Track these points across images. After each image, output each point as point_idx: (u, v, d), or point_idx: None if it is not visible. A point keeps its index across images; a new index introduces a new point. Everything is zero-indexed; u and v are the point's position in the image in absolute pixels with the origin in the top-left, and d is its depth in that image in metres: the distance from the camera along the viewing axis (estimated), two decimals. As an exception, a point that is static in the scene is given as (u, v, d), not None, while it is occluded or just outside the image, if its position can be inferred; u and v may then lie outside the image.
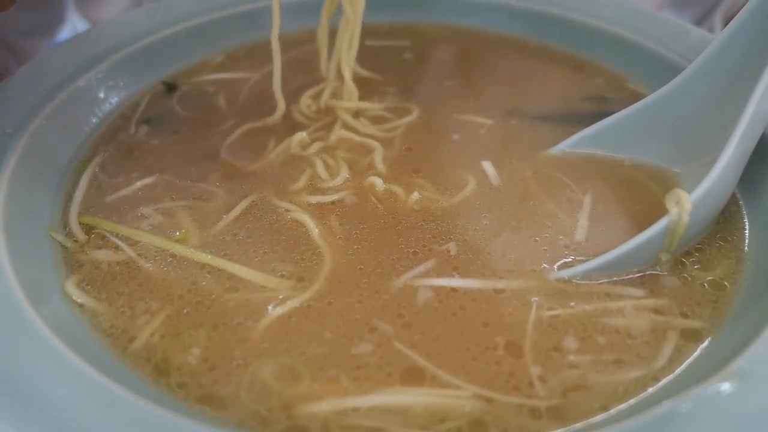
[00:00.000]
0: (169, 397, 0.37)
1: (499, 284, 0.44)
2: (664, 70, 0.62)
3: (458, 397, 0.37)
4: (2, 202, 0.45)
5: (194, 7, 0.71)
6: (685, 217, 0.43)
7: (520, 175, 0.53)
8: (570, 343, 0.40)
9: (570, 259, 0.46)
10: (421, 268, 0.45)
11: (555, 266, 0.45)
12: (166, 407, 0.34)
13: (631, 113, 0.54)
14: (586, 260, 0.45)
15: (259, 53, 0.70)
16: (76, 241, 0.47)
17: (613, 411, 0.37)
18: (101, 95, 0.60)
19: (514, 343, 0.40)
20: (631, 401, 0.37)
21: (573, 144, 0.56)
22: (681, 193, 0.43)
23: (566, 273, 0.44)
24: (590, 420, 0.36)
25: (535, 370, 0.38)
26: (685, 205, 0.43)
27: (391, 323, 0.41)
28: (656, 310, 0.42)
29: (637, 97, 0.57)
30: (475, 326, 0.41)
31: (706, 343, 0.41)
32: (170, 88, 0.65)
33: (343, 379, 0.38)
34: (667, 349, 0.40)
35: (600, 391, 0.38)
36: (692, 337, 0.41)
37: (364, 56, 0.68)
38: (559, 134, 0.57)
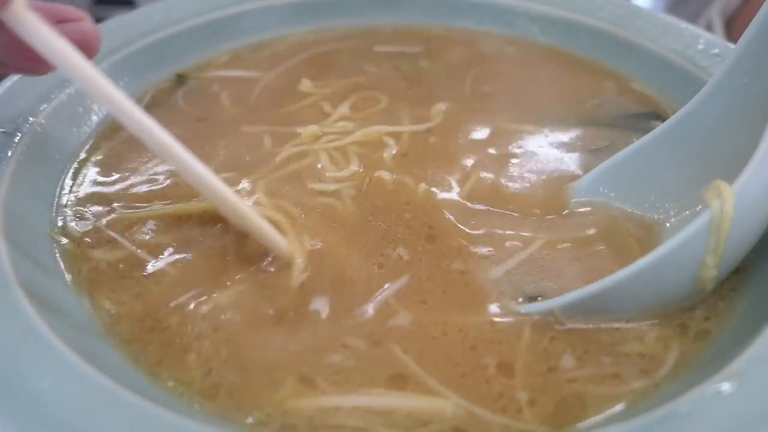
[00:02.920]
0: (169, 397, 0.37)
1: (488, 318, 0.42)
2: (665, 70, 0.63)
3: (441, 403, 0.37)
4: (2, 202, 0.45)
5: (196, 6, 0.70)
6: (730, 210, 0.37)
7: (526, 194, 0.52)
8: (567, 361, 0.39)
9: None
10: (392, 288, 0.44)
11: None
12: (166, 407, 0.34)
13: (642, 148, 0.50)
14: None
15: (266, 52, 0.71)
16: (74, 241, 0.47)
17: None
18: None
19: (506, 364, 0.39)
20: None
21: (583, 186, 0.52)
22: (721, 184, 0.38)
23: (565, 300, 0.41)
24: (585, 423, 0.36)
25: (524, 395, 0.38)
26: (728, 197, 0.38)
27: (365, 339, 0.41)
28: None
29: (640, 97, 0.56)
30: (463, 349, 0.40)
31: (708, 344, 0.40)
32: (180, 80, 0.65)
33: (321, 382, 0.38)
34: (671, 358, 0.39)
35: (595, 406, 0.37)
36: (697, 339, 0.41)
37: (381, 62, 0.69)
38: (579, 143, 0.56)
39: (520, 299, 0.43)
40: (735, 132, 0.47)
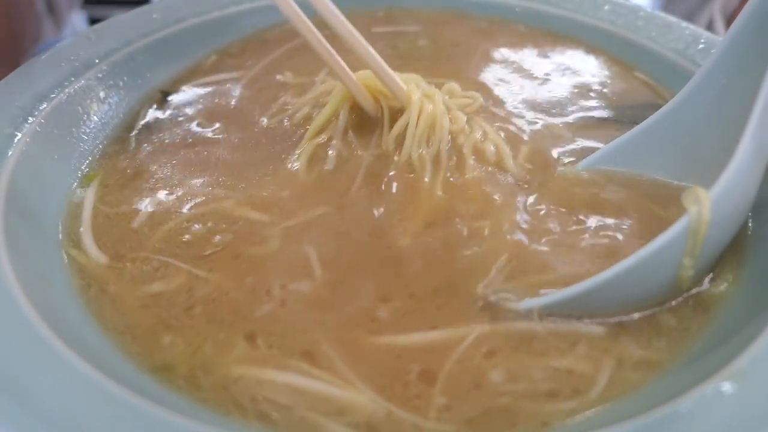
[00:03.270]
0: (170, 396, 0.37)
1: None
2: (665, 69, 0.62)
3: (357, 396, 0.37)
4: (2, 202, 0.45)
5: (196, 6, 0.70)
6: (706, 214, 0.40)
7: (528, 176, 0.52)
8: (496, 376, 0.39)
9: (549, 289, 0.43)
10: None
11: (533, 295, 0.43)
12: (167, 407, 0.34)
13: (642, 130, 0.52)
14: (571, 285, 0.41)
15: (253, 48, 0.70)
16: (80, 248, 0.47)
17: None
18: (102, 95, 0.60)
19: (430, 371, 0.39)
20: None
21: (585, 165, 0.53)
22: (698, 190, 0.41)
23: (546, 300, 0.42)
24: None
25: (442, 400, 0.37)
26: (705, 202, 0.40)
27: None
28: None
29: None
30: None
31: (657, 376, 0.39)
32: (165, 96, 0.63)
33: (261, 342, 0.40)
34: (603, 378, 0.38)
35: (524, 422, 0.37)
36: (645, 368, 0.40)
37: (376, 42, 0.67)
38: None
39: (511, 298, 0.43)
40: (720, 129, 0.48)
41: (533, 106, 0.61)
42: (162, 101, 0.62)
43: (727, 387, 0.34)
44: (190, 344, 0.40)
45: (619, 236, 0.47)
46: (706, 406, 0.33)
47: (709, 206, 0.40)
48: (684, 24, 0.67)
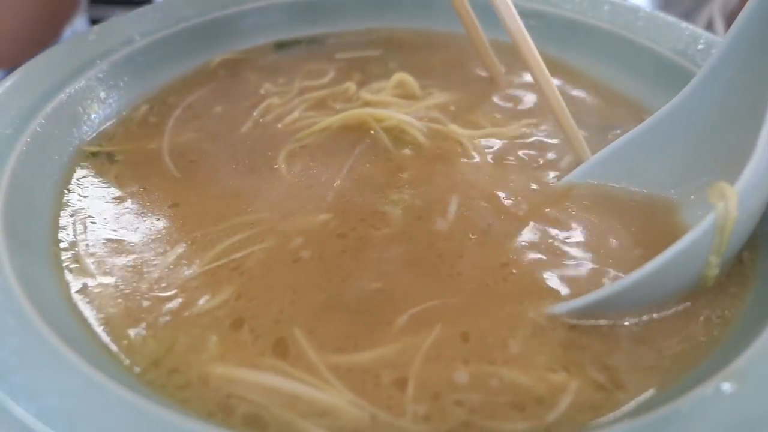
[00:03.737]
0: (170, 396, 0.37)
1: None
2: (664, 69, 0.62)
3: (336, 399, 0.37)
4: (2, 202, 0.45)
5: (196, 6, 0.70)
6: (733, 210, 0.39)
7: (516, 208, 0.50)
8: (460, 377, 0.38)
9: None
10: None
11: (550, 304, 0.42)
12: (168, 407, 0.34)
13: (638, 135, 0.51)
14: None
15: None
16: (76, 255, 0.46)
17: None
18: (102, 95, 0.60)
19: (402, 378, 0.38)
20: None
21: (579, 175, 0.53)
22: (724, 186, 0.40)
23: (564, 307, 0.41)
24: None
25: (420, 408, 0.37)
26: (731, 198, 0.39)
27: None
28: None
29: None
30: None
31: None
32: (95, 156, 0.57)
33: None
34: (565, 401, 0.37)
35: None
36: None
37: (349, 70, 0.68)
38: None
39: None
40: (725, 126, 0.48)
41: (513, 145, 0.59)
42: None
43: (727, 387, 0.34)
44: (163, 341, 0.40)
45: (624, 241, 0.47)
46: (706, 406, 0.33)
47: (735, 201, 0.39)
48: (684, 24, 0.67)
